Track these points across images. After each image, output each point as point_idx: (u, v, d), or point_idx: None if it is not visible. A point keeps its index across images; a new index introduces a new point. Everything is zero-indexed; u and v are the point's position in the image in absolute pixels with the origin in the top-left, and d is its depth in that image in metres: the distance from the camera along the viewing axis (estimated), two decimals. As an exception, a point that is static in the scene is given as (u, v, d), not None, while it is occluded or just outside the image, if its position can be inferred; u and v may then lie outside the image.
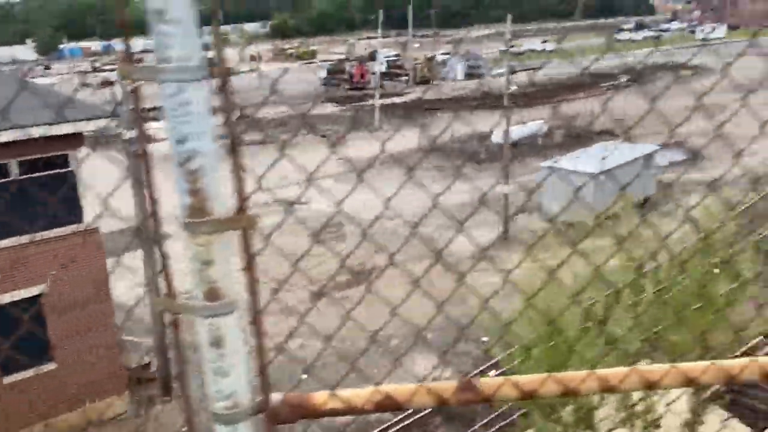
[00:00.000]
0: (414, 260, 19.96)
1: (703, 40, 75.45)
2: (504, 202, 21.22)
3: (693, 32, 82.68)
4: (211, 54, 0.99)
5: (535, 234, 22.10)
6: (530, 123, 33.21)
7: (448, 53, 65.95)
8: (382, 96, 53.61)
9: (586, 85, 52.77)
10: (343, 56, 71.35)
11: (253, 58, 66.35)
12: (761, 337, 13.26)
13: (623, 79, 54.46)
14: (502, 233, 21.35)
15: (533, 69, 62.23)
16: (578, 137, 33.29)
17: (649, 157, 24.01)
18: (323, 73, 58.65)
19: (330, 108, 46.65)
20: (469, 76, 58.31)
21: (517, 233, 22.09)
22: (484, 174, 29.30)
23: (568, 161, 22.87)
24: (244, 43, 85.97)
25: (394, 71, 58.74)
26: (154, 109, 1.60)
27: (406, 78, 56.44)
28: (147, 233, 14.78)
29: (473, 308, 15.91)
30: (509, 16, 22.75)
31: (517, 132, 32.20)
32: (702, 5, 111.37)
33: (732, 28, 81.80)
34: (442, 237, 21.85)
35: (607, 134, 34.49)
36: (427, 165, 31.19)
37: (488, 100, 46.55)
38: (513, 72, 63.81)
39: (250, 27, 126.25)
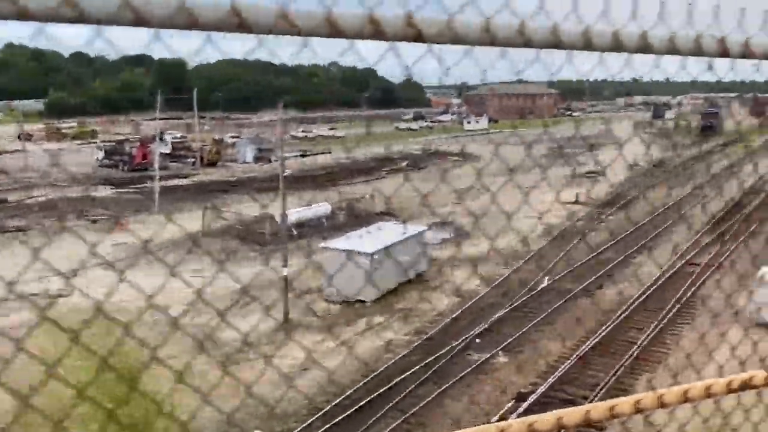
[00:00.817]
0: (187, 353, 18.69)
1: (469, 130, 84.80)
2: (284, 285, 21.03)
3: (461, 123, 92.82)
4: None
5: (316, 317, 22.13)
6: (315, 205, 33.97)
7: (237, 136, 66.02)
8: (167, 178, 51.50)
9: (371, 168, 56.00)
10: (123, 137, 67.82)
11: (21, 138, 60.22)
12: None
13: (403, 163, 58.68)
14: (283, 318, 21.02)
15: (322, 153, 64.74)
16: (360, 218, 34.69)
17: (420, 236, 25.64)
18: (101, 154, 55.05)
19: (105, 191, 43.55)
20: (258, 159, 58.66)
21: (300, 316, 21.92)
22: (270, 256, 28.99)
23: (345, 241, 23.56)
24: (9, 120, 77.97)
25: (180, 153, 57.15)
26: None
27: (194, 160, 55.11)
28: None
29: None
30: (281, 104, 23.36)
31: (302, 213, 32.70)
32: (468, 101, 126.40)
33: (492, 120, 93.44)
34: (220, 326, 20.87)
35: (387, 215, 36.50)
36: (213, 248, 30.15)
37: (276, 183, 47.05)
38: (304, 155, 65.46)
39: (25, 104, 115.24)
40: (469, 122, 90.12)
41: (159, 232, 30.57)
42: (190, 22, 1.21)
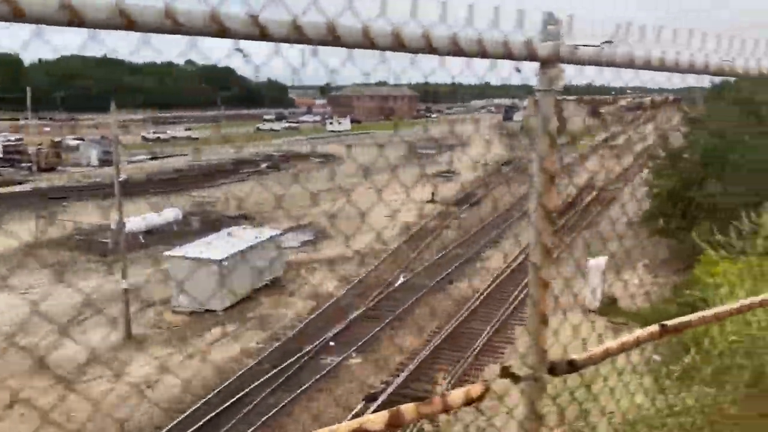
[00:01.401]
0: (20, 376, 16.87)
1: (332, 131, 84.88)
2: (125, 298, 19.59)
3: (324, 124, 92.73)
4: None
5: (164, 329, 20.89)
6: (165, 210, 32.17)
7: (81, 138, 61.25)
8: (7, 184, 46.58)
9: (228, 171, 54.21)
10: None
11: None
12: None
13: (263, 165, 57.46)
14: (125, 332, 19.57)
15: (174, 156, 61.69)
16: (214, 223, 33.38)
17: (273, 240, 25.06)
18: None
19: None
20: (103, 162, 54.75)
21: (145, 329, 20.55)
22: (113, 267, 27.00)
23: (193, 248, 22.46)
24: None
25: (14, 157, 51.99)
26: None
27: (29, 164, 50.32)
28: None
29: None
30: (113, 104, 21.81)
31: (150, 220, 30.85)
32: (332, 101, 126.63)
33: (355, 121, 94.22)
34: (55, 344, 19.03)
35: (243, 219, 35.43)
36: (50, 261, 27.56)
37: (125, 188, 44.06)
38: (155, 158, 62.02)
39: None
40: (331, 123, 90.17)
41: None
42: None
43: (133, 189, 44.13)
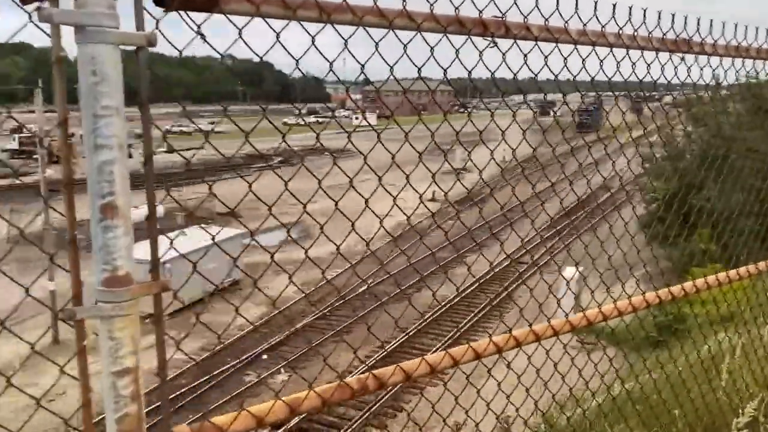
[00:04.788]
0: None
1: (359, 126, 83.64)
2: (52, 300, 18.50)
3: (351, 119, 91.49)
4: None
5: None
6: (143, 207, 31.21)
7: (101, 131, 61.40)
8: (6, 177, 46.90)
9: (240, 165, 53.40)
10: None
11: None
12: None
13: (276, 160, 56.49)
14: (52, 337, 18.50)
15: (190, 149, 61.21)
16: (199, 219, 32.32)
17: (233, 240, 23.66)
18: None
19: None
20: (119, 155, 54.80)
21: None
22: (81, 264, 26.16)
23: (141, 249, 21.17)
24: None
25: (29, 149, 52.40)
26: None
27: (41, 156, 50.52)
28: None
29: None
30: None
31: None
32: (366, 96, 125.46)
33: (384, 117, 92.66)
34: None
35: (230, 216, 34.29)
36: (16, 256, 26.89)
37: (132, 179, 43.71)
38: (172, 152, 61.91)
39: None
40: (357, 118, 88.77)
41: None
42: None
43: (133, 182, 43.82)
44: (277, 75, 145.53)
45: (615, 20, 2.49)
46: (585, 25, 2.42)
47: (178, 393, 15.17)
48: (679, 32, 2.76)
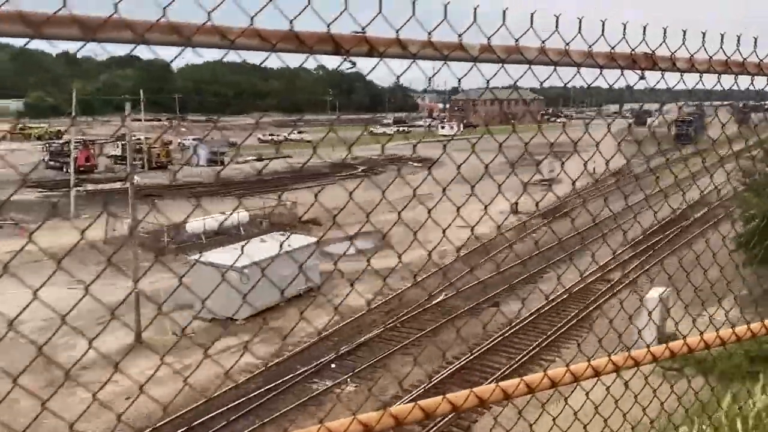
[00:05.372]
0: (34, 373, 17.19)
1: (444, 136, 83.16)
2: (135, 301, 19.45)
3: (436, 128, 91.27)
4: None
5: (178, 335, 20.56)
6: (233, 213, 32.38)
7: (199, 138, 64.59)
8: (109, 181, 50.14)
9: (324, 174, 54.44)
10: (83, 138, 66.53)
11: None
12: None
13: (360, 169, 57.14)
14: (135, 337, 19.44)
15: (284, 157, 63.13)
16: (284, 226, 33.15)
17: (309, 248, 24.01)
18: (47, 155, 53.85)
19: (33, 194, 42.15)
20: (213, 162, 57.22)
21: (159, 334, 20.34)
22: (167, 267, 27.43)
23: (220, 254, 21.95)
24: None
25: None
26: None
27: (141, 162, 53.67)
28: None
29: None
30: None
31: (212, 222, 31.18)
32: (453, 105, 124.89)
33: (470, 126, 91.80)
34: (71, 345, 19.32)
35: (312, 223, 34.92)
36: (104, 258, 28.58)
37: (217, 187, 45.60)
38: (260, 159, 63.79)
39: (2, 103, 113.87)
40: (443, 127, 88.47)
41: (57, 240, 29.08)
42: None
43: (225, 189, 45.60)
44: (367, 85, 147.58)
45: (723, 50, 2.56)
46: (692, 56, 2.51)
47: (245, 398, 15.51)
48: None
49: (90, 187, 41.70)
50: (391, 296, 22.90)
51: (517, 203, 37.64)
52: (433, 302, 22.14)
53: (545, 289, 23.84)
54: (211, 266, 20.51)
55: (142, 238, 31.03)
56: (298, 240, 24.25)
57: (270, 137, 77.45)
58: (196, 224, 30.45)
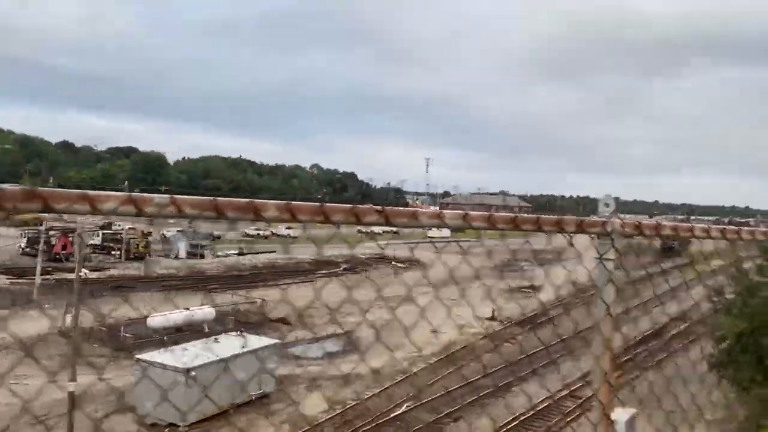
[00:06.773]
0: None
1: (431, 237, 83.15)
2: (69, 403, 18.14)
3: (425, 229, 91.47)
4: None
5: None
6: (196, 308, 31.36)
7: (181, 230, 64.27)
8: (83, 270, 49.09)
9: (305, 271, 53.66)
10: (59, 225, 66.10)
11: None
12: None
13: (342, 267, 56.49)
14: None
15: (260, 253, 62.55)
16: (249, 324, 32.04)
17: (265, 351, 22.92)
18: (24, 242, 53.18)
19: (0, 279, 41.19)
20: (192, 254, 56.61)
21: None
22: (118, 363, 26.10)
23: (169, 354, 20.84)
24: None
25: (109, 245, 55.14)
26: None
27: (118, 253, 53.02)
28: None
29: None
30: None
31: (174, 318, 30.13)
32: (443, 208, 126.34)
33: (458, 229, 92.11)
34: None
35: (281, 322, 33.85)
36: (58, 351, 27.29)
37: (189, 282, 44.60)
38: (241, 254, 63.08)
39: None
40: (430, 229, 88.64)
41: (17, 326, 27.94)
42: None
43: (197, 283, 44.59)
44: (360, 184, 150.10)
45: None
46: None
47: None
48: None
49: (57, 276, 40.70)
50: (349, 405, 21.59)
51: (494, 310, 36.78)
52: (393, 414, 20.84)
53: (513, 403, 22.60)
54: (158, 367, 19.44)
55: (100, 332, 29.83)
56: (256, 341, 23.21)
57: (256, 232, 77.19)
58: (158, 319, 29.38)
